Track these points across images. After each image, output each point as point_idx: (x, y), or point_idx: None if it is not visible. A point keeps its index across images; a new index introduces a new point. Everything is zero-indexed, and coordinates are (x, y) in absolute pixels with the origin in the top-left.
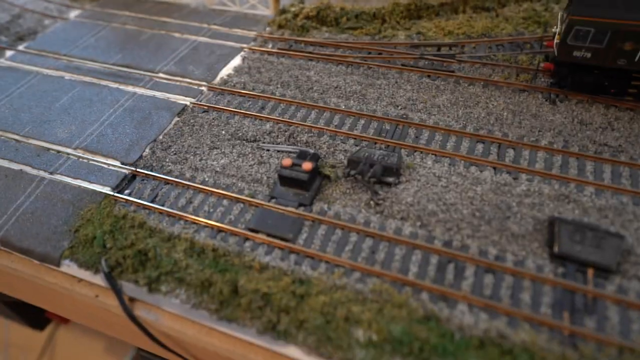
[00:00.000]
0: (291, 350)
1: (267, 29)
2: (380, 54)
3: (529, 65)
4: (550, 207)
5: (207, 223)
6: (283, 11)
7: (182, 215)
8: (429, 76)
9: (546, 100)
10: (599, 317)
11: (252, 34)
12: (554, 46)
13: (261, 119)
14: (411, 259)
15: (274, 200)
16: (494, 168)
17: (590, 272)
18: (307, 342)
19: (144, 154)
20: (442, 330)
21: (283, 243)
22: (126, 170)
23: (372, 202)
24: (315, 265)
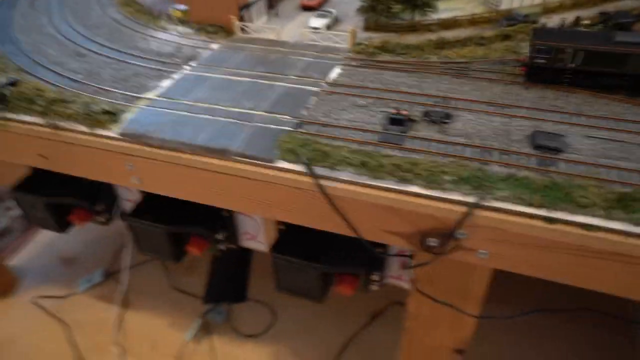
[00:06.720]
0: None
1: (349, 54)
2: (422, 66)
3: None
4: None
5: (353, 139)
6: (359, 44)
7: (340, 137)
8: (455, 77)
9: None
10: None
11: (340, 57)
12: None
13: (362, 97)
14: None
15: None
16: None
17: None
18: None
19: (303, 112)
20: None
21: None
22: (296, 120)
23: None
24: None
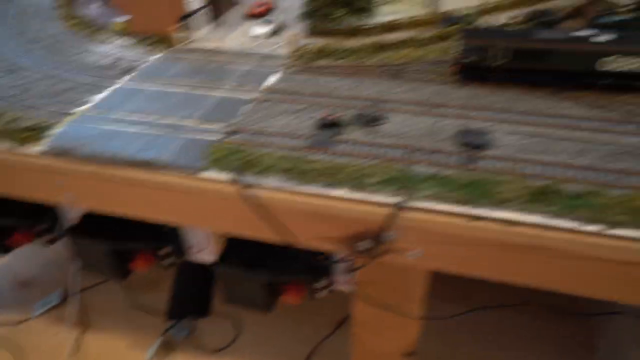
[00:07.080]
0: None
1: (289, 60)
2: (359, 70)
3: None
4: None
5: (283, 146)
6: (298, 50)
7: (269, 144)
8: (391, 79)
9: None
10: None
11: (279, 63)
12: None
13: (296, 103)
14: None
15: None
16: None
17: None
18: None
19: (235, 121)
20: None
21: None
22: (228, 129)
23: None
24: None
